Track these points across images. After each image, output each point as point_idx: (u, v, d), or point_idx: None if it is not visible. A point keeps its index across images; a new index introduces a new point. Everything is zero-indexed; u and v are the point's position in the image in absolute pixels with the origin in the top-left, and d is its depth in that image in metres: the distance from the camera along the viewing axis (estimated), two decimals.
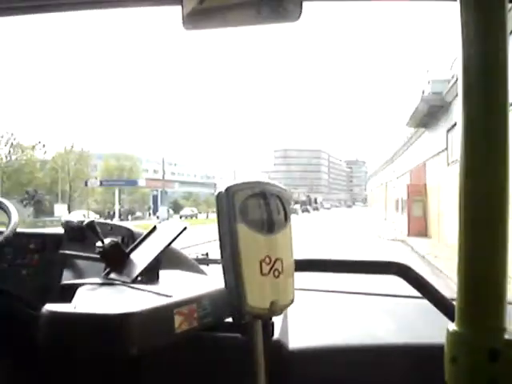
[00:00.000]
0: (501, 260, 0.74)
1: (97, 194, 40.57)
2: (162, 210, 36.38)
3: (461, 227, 0.74)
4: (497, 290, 0.75)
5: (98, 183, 36.72)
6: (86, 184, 36.21)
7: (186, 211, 40.31)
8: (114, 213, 32.99)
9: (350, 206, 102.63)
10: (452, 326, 0.78)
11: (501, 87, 0.72)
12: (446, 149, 16.74)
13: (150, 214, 36.02)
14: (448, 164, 16.01)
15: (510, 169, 0.73)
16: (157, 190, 46.42)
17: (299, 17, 0.97)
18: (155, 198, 44.19)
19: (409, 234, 21.62)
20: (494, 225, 0.73)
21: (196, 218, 38.38)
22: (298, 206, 59.88)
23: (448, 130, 16.80)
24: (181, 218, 39.39)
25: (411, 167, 25.06)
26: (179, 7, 0.99)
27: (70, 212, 35.30)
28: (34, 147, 38.58)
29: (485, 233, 0.74)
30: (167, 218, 34.01)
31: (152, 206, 38.03)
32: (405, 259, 1.18)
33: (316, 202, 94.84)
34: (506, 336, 0.75)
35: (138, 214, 36.46)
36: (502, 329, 0.75)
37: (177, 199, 52.52)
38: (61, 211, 32.32)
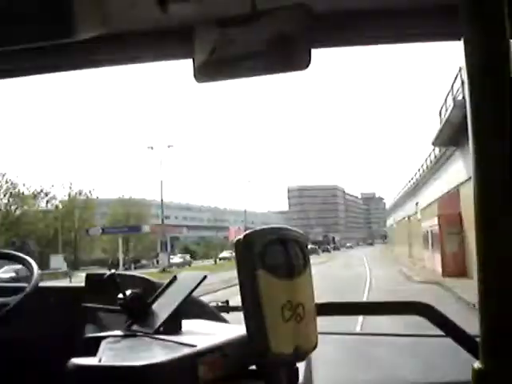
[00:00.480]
0: None
1: (104, 242, 37.97)
2: (163, 257, 33.75)
3: (479, 263, 0.77)
4: None
5: (100, 231, 34.11)
6: (87, 232, 33.67)
7: (175, 259, 36.88)
8: (118, 262, 30.34)
9: (371, 244, 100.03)
10: (477, 364, 0.80)
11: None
12: None
13: (157, 262, 33.28)
14: None
15: None
16: (165, 236, 43.80)
17: (308, 65, 1.00)
18: (164, 245, 41.52)
19: (443, 274, 18.88)
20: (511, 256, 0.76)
21: (189, 265, 35.91)
22: (316, 247, 58.11)
23: None
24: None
25: (439, 195, 22.30)
26: (190, 60, 1.08)
27: (73, 263, 32.69)
28: (35, 196, 36.29)
29: (505, 269, 0.76)
30: (169, 265, 31.23)
31: (159, 254, 35.20)
32: (448, 311, 1.15)
33: (334, 241, 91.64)
34: None
35: (144, 262, 33.81)
36: None
37: (188, 245, 49.75)
38: (58, 263, 29.67)
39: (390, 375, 1.23)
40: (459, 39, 0.84)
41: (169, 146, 43.25)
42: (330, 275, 15.25)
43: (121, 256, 33.03)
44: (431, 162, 28.96)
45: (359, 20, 1.26)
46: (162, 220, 40.21)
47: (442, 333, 1.19)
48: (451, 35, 1.24)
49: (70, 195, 39.23)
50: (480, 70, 0.81)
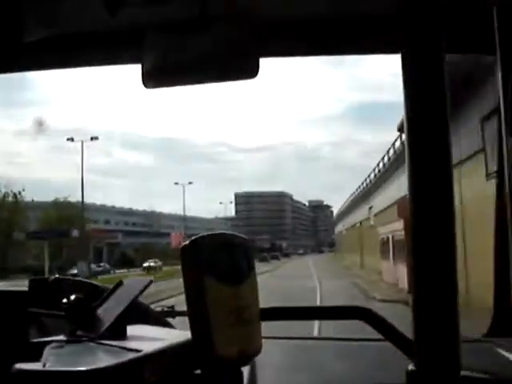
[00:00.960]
0: (452, 298, 0.82)
1: (35, 248, 34.01)
2: (80, 266, 30.47)
3: (412, 266, 0.82)
4: (451, 328, 0.81)
5: (24, 236, 30.36)
6: (8, 237, 29.84)
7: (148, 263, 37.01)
8: (43, 270, 26.79)
9: (321, 252, 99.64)
10: (410, 366, 0.85)
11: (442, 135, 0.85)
12: (484, 150, 10.64)
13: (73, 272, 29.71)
14: (487, 175, 9.84)
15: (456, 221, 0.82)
16: (100, 242, 40.17)
17: (257, 73, 1.03)
18: (94, 252, 37.95)
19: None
20: (442, 266, 0.82)
21: (160, 269, 35.61)
22: (266, 254, 57.40)
23: (483, 120, 10.43)
24: (145, 270, 36.39)
25: (400, 195, 18.31)
26: (139, 66, 1.05)
27: (1, 270, 28.87)
28: None
29: (436, 271, 0.81)
30: (89, 276, 27.92)
31: (78, 262, 31.79)
32: None
33: (281, 248, 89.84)
34: (462, 373, 0.82)
35: (74, 271, 30.14)
36: (458, 366, 0.81)
37: (125, 251, 46.29)
38: None
39: (331, 379, 1.27)
40: (398, 52, 0.88)
41: (92, 138, 38.40)
42: (275, 289, 12.68)
43: (46, 263, 29.31)
44: (389, 159, 26.56)
45: (306, 30, 1.30)
46: (84, 225, 36.44)
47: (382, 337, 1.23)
48: (390, 48, 1.28)
49: None
50: (417, 83, 0.86)
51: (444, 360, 0.81)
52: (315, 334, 4.33)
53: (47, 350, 0.97)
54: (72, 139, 38.34)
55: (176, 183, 54.40)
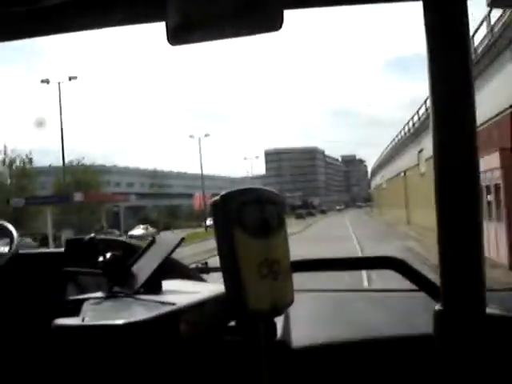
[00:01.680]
0: (478, 246, 0.88)
1: (54, 214, 30.45)
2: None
3: (438, 220, 0.89)
4: (477, 273, 0.88)
5: (23, 202, 26.81)
6: (7, 202, 26.32)
7: (137, 231, 31.36)
8: (47, 238, 23.17)
9: (359, 207, 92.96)
10: (437, 306, 0.92)
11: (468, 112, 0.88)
12: None
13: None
14: None
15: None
16: (117, 206, 36.41)
17: (281, 26, 1.02)
18: (116, 215, 34.17)
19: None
20: (467, 216, 0.88)
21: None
22: (303, 211, 55.99)
23: None
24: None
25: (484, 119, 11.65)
26: (163, 24, 1.06)
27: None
28: None
29: (462, 223, 0.88)
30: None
31: (105, 226, 28.00)
32: None
33: (313, 205, 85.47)
34: (488, 310, 0.89)
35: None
36: (483, 305, 0.89)
37: (148, 214, 42.62)
38: None
39: (362, 328, 1.28)
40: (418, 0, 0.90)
41: (70, 78, 34.13)
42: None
43: (50, 231, 25.72)
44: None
45: None
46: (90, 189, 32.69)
47: (415, 287, 1.28)
48: None
49: (4, 161, 32.55)
50: (440, 29, 0.88)
51: (470, 299, 0.86)
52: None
53: (85, 306, 1.02)
54: (47, 81, 34.13)
55: (191, 136, 49.50)
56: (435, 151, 0.90)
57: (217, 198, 0.94)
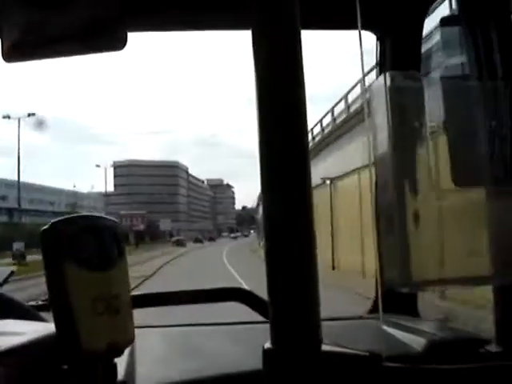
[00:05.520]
0: (311, 271, 0.79)
1: None
2: None
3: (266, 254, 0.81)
4: (310, 303, 0.79)
5: None
6: None
7: None
8: None
9: (246, 236, 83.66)
10: (267, 344, 0.83)
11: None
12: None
13: None
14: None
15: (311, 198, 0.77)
16: None
17: (124, 46, 1.07)
18: None
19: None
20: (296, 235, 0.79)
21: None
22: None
23: None
24: None
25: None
26: None
27: None
28: None
29: (290, 254, 0.79)
30: None
31: None
32: None
33: (171, 234, 66.82)
34: (324, 347, 0.80)
35: None
36: (317, 342, 0.80)
37: None
38: None
39: (215, 364, 1.23)
40: (248, 29, 0.82)
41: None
42: None
43: None
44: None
45: (171, 3, 1.35)
46: None
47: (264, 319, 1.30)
48: (240, 24, 1.33)
49: None
50: (269, 61, 0.79)
51: (301, 334, 0.79)
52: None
53: None
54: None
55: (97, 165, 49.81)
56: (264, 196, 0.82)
57: (46, 226, 0.85)
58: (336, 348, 0.87)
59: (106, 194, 69.94)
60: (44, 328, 1.00)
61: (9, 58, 1.04)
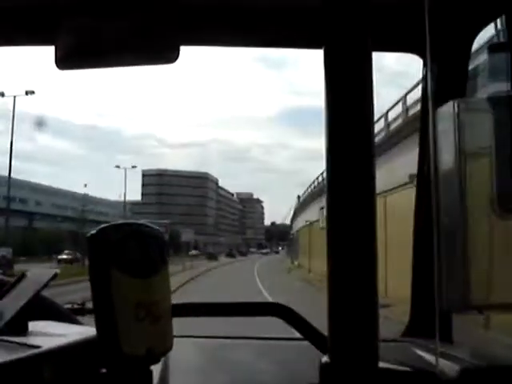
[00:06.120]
0: (371, 293, 0.81)
1: None
2: None
3: (328, 264, 0.83)
4: (369, 322, 0.81)
5: None
6: None
7: None
8: None
9: (277, 252, 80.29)
10: (324, 358, 0.85)
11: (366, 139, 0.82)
12: None
13: None
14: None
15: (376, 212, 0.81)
16: None
17: (176, 59, 1.09)
18: None
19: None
20: (360, 260, 0.81)
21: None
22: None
23: None
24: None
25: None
26: (52, 47, 1.10)
27: None
28: None
29: (354, 267, 0.81)
30: None
31: None
32: None
33: (197, 246, 64.70)
34: (381, 364, 0.82)
35: None
36: (375, 358, 0.81)
37: None
38: None
39: (245, 378, 1.25)
40: (321, 47, 0.85)
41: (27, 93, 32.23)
42: None
43: None
44: None
45: (229, 19, 1.35)
46: None
47: (301, 336, 1.30)
48: (313, 43, 1.32)
49: None
50: (340, 81, 0.83)
51: (359, 351, 0.81)
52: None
53: None
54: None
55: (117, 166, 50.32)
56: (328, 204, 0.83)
57: (93, 231, 0.88)
58: (393, 366, 0.92)
59: (129, 203, 67.61)
60: (84, 331, 1.03)
61: (62, 65, 1.07)
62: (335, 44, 0.83)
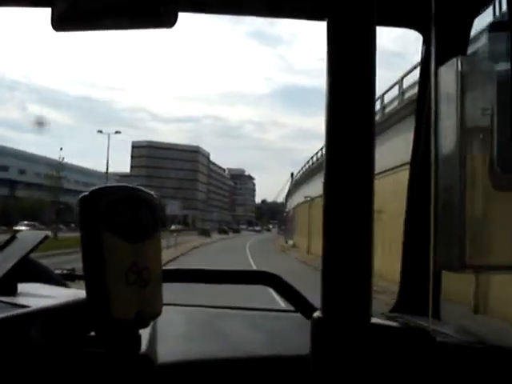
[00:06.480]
0: (365, 250, 0.82)
1: None
2: None
3: (325, 227, 0.84)
4: (361, 277, 0.82)
5: None
6: None
7: None
8: None
9: (268, 230, 78.24)
10: (316, 313, 0.86)
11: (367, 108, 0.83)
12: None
13: None
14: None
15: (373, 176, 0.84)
16: None
17: (174, 24, 1.08)
18: None
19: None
20: (356, 218, 0.82)
21: None
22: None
23: None
24: None
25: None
26: (49, 9, 1.09)
27: None
28: None
29: (349, 226, 0.82)
30: None
31: None
32: None
33: (186, 221, 62.97)
34: (373, 320, 0.84)
35: None
36: (366, 314, 0.83)
37: None
38: None
39: (235, 347, 1.23)
40: (323, 19, 0.84)
41: None
42: None
43: None
44: None
45: None
46: None
47: (289, 304, 1.34)
48: (315, 14, 1.28)
49: None
50: (342, 54, 0.81)
51: (352, 307, 0.82)
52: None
53: None
54: None
55: (100, 131, 46.23)
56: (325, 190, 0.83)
57: (85, 193, 0.86)
58: (386, 321, 0.92)
59: (117, 174, 65.18)
60: (74, 293, 1.03)
61: (58, 27, 1.06)
62: (339, 15, 0.81)
